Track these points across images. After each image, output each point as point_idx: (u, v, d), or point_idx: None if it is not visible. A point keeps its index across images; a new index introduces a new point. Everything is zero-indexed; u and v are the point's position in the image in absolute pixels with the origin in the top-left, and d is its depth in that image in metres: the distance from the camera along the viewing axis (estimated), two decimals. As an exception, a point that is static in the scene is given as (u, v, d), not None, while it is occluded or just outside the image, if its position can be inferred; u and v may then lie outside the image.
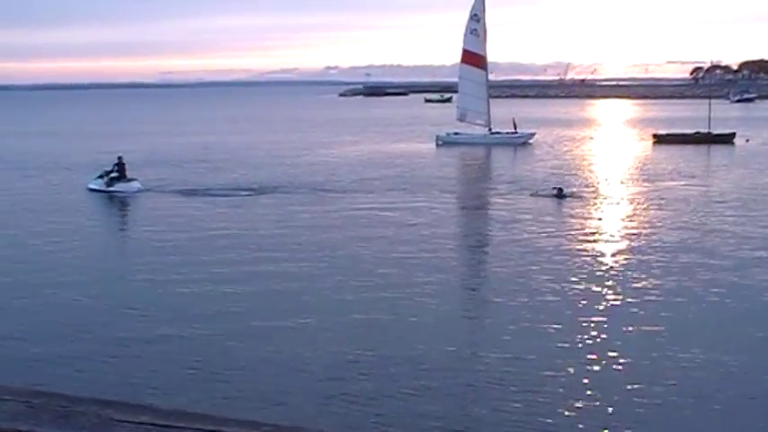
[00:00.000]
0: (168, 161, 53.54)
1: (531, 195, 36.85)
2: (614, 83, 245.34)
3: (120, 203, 37.90)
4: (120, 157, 40.54)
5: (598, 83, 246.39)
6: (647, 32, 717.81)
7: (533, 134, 68.06)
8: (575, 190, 38.71)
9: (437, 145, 65.37)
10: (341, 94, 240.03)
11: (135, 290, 21.93)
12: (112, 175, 39.69)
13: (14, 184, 43.92)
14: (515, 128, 67.30)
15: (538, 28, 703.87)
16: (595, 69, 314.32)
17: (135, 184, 39.65)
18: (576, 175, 45.40)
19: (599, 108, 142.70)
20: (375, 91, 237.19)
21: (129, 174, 40.17)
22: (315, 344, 17.23)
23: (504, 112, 72.30)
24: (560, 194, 36.14)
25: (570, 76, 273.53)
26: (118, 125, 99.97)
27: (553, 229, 29.43)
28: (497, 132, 67.25)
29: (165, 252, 26.48)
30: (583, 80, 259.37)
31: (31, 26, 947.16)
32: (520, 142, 65.18)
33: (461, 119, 69.32)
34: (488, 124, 67.79)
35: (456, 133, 67.75)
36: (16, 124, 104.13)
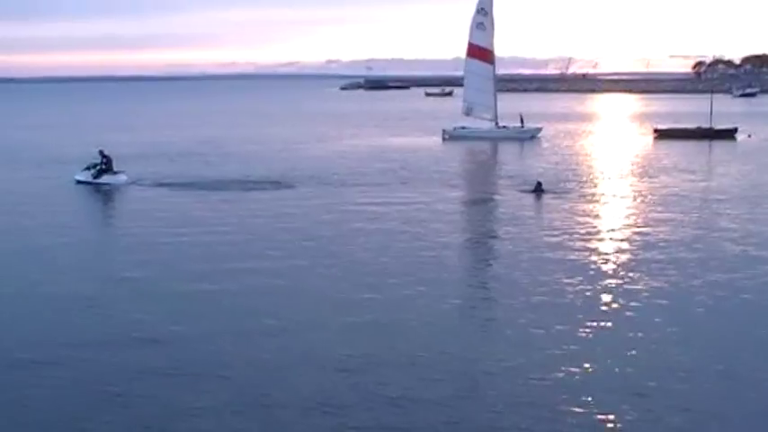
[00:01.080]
0: (163, 154, 53.03)
1: (524, 191, 36.06)
2: (616, 77, 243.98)
3: (105, 196, 37.45)
4: (101, 151, 40.43)
5: (600, 77, 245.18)
6: (649, 26, 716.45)
7: (540, 129, 67.46)
8: (578, 185, 38.25)
9: (443, 139, 64.82)
10: (342, 88, 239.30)
11: (114, 288, 21.24)
12: (99, 167, 39.67)
13: (4, 175, 43.51)
14: (522, 122, 66.70)
15: (540, 22, 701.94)
16: (597, 64, 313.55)
17: (122, 177, 39.58)
18: (580, 170, 44.71)
19: (601, 102, 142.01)
20: (376, 84, 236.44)
21: (116, 166, 40.13)
22: (310, 343, 16.55)
23: (507, 107, 71.54)
24: (539, 189, 35.56)
25: (572, 70, 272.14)
26: (119, 118, 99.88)
27: (556, 226, 28.63)
28: (504, 127, 66.69)
29: (146, 247, 25.76)
30: (584, 74, 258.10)
31: (37, 18, 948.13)
32: (527, 137, 64.56)
33: (468, 113, 68.65)
34: (495, 118, 67.16)
35: (463, 127, 66.97)
36: (18, 117, 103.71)
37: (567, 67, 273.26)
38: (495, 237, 28.07)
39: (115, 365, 15.54)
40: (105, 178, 39.19)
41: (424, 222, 29.60)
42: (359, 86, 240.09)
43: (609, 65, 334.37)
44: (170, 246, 25.93)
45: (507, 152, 56.96)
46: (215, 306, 19.32)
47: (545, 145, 60.34)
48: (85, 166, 40.42)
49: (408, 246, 25.64)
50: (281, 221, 29.77)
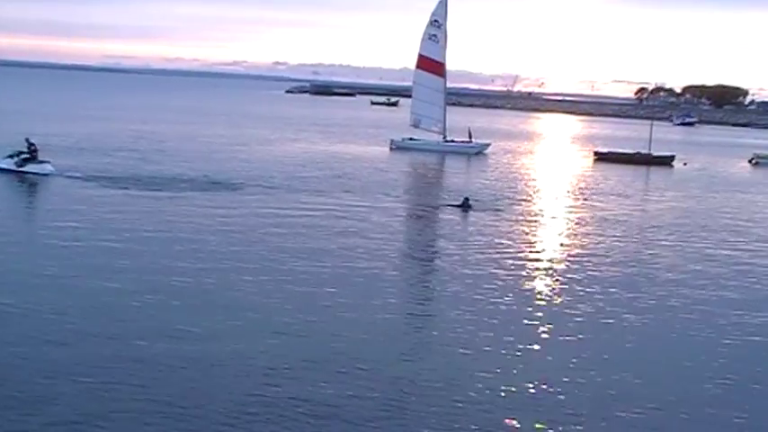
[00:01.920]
0: (97, 147, 51.63)
1: (452, 206, 35.65)
2: (561, 98, 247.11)
3: (29, 185, 36.24)
4: (27, 139, 39.26)
5: (545, 96, 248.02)
6: (595, 50, 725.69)
7: (488, 144, 67.52)
8: (514, 203, 38.21)
9: (391, 149, 64.66)
10: (288, 91, 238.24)
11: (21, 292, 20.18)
12: (24, 155, 38.40)
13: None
14: (470, 137, 66.62)
15: (488, 37, 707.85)
16: (543, 83, 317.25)
17: (47, 167, 38.30)
18: (518, 187, 44.71)
19: (544, 122, 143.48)
20: (322, 90, 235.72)
21: (44, 156, 38.85)
22: (232, 353, 15.76)
23: (452, 120, 71.11)
24: (466, 205, 35.21)
25: (518, 88, 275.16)
26: (52, 107, 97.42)
27: (480, 242, 28.34)
28: (452, 141, 66.53)
29: (63, 244, 24.61)
30: (530, 93, 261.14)
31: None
32: (474, 152, 64.50)
33: (415, 125, 68.40)
34: (444, 132, 66.97)
35: (411, 138, 66.80)
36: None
37: (514, 85, 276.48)
38: (414, 251, 27.62)
39: (23, 367, 14.64)
40: (29, 167, 37.90)
41: (354, 233, 28.97)
42: (305, 91, 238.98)
43: (554, 85, 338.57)
44: (85, 244, 24.72)
45: (452, 166, 56.81)
46: (129, 312, 18.33)
47: (491, 161, 60.29)
48: (8, 153, 39.00)
49: (337, 257, 24.98)
50: (210, 225, 28.76)
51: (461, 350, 16.95)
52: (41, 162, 38.37)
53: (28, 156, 38.33)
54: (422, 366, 16.07)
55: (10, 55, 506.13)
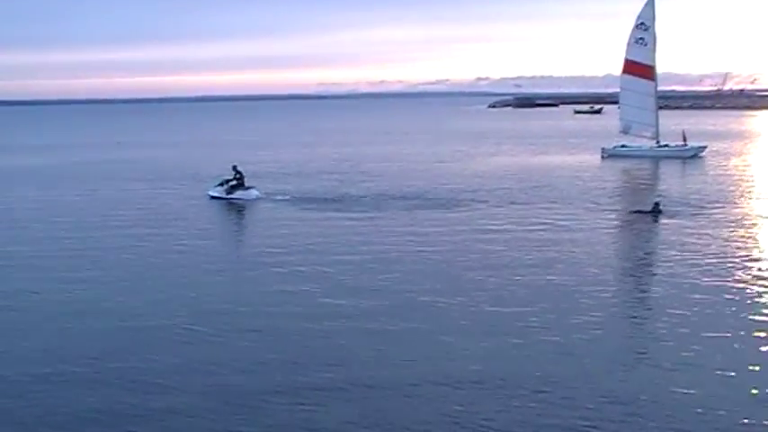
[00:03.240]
0: (299, 172, 53.63)
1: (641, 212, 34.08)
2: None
3: (237, 210, 38.09)
4: (234, 167, 41.47)
5: (759, 93, 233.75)
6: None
7: (704, 147, 63.74)
8: (726, 206, 35.80)
9: (602, 157, 62.52)
10: (491, 105, 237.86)
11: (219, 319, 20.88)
12: (232, 183, 40.65)
13: (148, 191, 45.06)
14: (685, 140, 63.48)
15: (695, 36, 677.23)
16: (756, 79, 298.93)
17: (253, 192, 40.42)
18: (732, 190, 41.88)
19: (760, 120, 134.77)
20: (525, 102, 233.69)
21: (251, 182, 41.19)
22: (436, 394, 14.78)
23: (661, 124, 67.63)
24: (656, 210, 33.59)
25: (728, 86, 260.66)
26: (262, 136, 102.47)
27: (686, 248, 26.55)
28: (666, 145, 63.76)
29: (271, 261, 25.64)
30: (742, 90, 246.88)
31: (198, 41, 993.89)
32: (689, 155, 61.28)
33: (625, 131, 65.86)
34: (656, 136, 64.22)
35: (623, 146, 64.46)
36: (172, 135, 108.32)
37: (724, 83, 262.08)
38: (602, 260, 26.07)
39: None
40: (237, 193, 40.07)
41: (551, 244, 27.95)
42: (508, 104, 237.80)
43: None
44: (289, 269, 24.91)
45: (666, 172, 53.80)
46: (324, 342, 17.88)
47: (707, 164, 56.87)
48: (218, 182, 41.56)
49: (535, 270, 24.18)
50: (409, 243, 28.53)
51: (673, 364, 15.88)
52: (248, 188, 40.46)
53: (235, 183, 40.52)
54: (634, 380, 15.19)
55: (229, 90, 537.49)
